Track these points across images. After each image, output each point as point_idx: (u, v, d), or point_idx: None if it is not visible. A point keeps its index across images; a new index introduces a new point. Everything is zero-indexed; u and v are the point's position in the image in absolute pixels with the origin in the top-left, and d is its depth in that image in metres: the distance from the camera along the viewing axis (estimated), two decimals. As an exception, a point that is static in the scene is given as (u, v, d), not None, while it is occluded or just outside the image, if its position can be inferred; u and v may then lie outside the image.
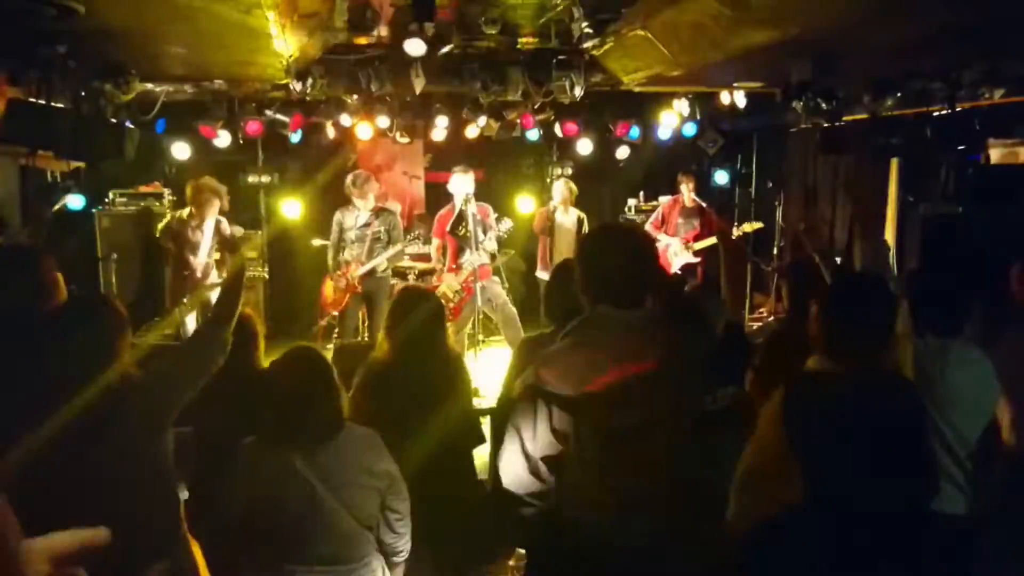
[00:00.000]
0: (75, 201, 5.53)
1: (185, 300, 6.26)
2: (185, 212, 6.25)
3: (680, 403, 2.07)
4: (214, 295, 6.33)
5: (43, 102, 3.98)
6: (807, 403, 1.63)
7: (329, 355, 3.52)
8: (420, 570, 2.86)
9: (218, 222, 6.40)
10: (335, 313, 6.91)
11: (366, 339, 7.10)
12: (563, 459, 2.04)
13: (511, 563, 3.73)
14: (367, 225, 6.66)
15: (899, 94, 5.06)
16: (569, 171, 8.49)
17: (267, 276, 8.02)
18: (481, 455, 3.48)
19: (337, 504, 2.38)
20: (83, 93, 4.27)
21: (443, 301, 6.48)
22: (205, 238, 6.32)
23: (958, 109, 4.79)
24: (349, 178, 6.68)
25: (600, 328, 2.09)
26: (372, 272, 6.66)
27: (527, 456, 2.06)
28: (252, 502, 2.40)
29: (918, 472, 1.51)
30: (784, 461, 1.78)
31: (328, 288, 6.82)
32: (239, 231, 7.70)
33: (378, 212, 6.71)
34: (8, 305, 2.61)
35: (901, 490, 1.47)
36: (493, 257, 6.79)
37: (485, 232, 6.55)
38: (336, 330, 6.99)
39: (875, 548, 1.44)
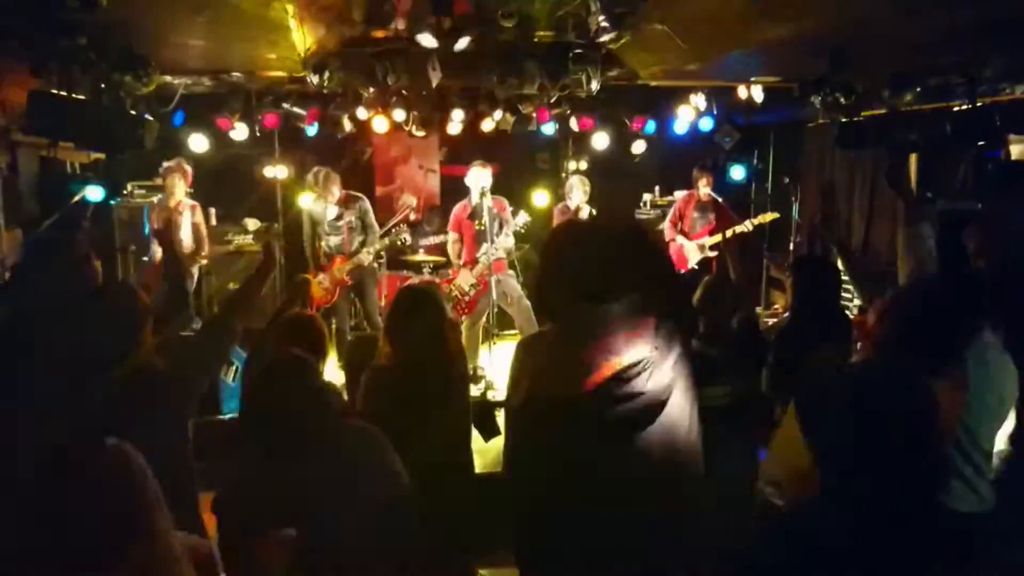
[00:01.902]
0: (94, 193, 5.58)
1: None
2: (156, 197, 6.47)
3: (670, 396, 2.05)
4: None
5: (64, 93, 4.02)
6: (820, 396, 1.63)
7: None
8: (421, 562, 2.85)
9: (192, 206, 6.70)
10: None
11: (367, 327, 7.14)
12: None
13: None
14: (339, 217, 6.70)
15: (918, 89, 5.01)
16: (584, 165, 8.47)
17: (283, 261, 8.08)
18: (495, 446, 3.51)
19: (339, 502, 2.30)
20: (103, 85, 4.30)
21: (458, 295, 6.57)
22: (184, 219, 6.58)
23: (978, 104, 4.73)
24: (310, 176, 6.74)
25: (582, 326, 2.06)
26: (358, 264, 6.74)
27: None
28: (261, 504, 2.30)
29: (926, 466, 1.51)
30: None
31: (315, 287, 6.68)
32: (254, 223, 7.78)
33: (346, 202, 6.73)
34: (48, 289, 2.65)
35: (909, 483, 1.47)
36: (508, 252, 6.81)
37: (501, 226, 6.56)
38: (334, 321, 6.99)
39: (886, 540, 1.45)
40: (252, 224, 7.79)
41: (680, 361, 2.04)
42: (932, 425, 1.55)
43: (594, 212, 7.38)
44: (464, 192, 6.80)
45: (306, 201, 6.98)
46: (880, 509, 1.46)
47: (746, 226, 7.21)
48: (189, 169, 6.78)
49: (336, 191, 6.65)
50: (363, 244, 6.78)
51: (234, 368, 5.36)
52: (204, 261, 6.95)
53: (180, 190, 6.61)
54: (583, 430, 1.98)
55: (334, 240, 6.75)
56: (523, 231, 6.84)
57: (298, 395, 2.28)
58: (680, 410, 2.04)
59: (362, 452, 2.40)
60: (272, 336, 3.19)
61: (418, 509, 2.53)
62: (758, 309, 8.12)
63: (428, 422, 2.86)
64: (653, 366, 1.96)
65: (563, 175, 9.01)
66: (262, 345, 3.25)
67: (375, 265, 7.26)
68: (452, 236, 6.82)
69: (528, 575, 2.25)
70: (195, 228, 6.70)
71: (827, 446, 1.56)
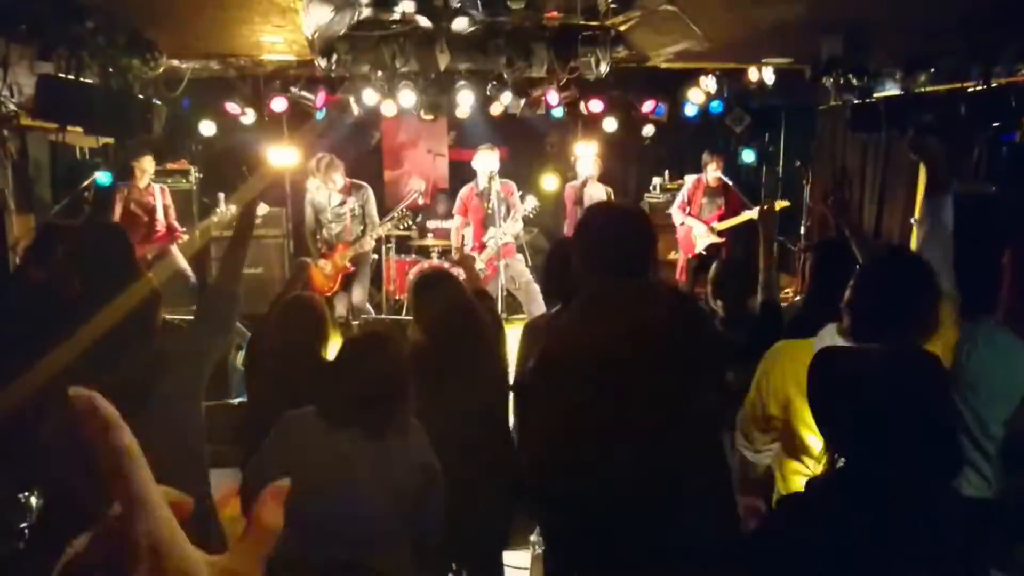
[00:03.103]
0: (103, 177, 5.60)
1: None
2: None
3: (688, 374, 2.05)
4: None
5: (72, 78, 4.02)
6: (831, 378, 1.62)
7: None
8: (451, 552, 2.85)
9: (162, 188, 6.74)
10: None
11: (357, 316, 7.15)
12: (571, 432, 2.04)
13: (533, 538, 3.75)
14: (342, 204, 6.68)
15: (932, 70, 4.96)
16: (594, 149, 8.43)
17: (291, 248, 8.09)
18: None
19: (378, 493, 2.33)
20: (111, 69, 4.30)
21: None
22: (157, 201, 6.61)
23: (993, 86, 4.67)
24: (312, 162, 6.67)
25: (606, 300, 2.09)
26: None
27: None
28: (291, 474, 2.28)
29: (938, 449, 1.50)
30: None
31: (316, 274, 6.68)
32: (264, 208, 7.78)
33: (350, 189, 6.70)
34: (98, 276, 2.63)
35: (921, 466, 1.46)
36: (516, 236, 6.79)
37: (509, 210, 6.54)
38: (336, 310, 6.97)
39: (895, 523, 1.44)
40: (260, 209, 7.78)
41: (702, 343, 2.05)
42: (945, 410, 1.54)
43: (609, 190, 7.37)
44: (472, 176, 6.78)
45: (313, 186, 6.96)
46: (892, 492, 1.45)
47: (755, 214, 7.15)
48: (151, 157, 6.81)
49: (339, 179, 6.60)
50: (363, 232, 6.77)
51: (243, 352, 5.37)
52: (184, 239, 6.94)
53: (148, 174, 6.65)
54: (593, 402, 1.99)
55: (336, 227, 6.73)
56: (532, 216, 6.82)
57: (386, 372, 2.34)
58: (691, 393, 2.05)
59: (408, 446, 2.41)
60: (272, 318, 3.18)
61: (457, 490, 2.52)
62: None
63: (466, 396, 2.85)
64: (669, 346, 1.97)
65: (572, 159, 8.98)
66: (263, 327, 3.24)
67: (374, 255, 7.26)
68: (457, 220, 6.79)
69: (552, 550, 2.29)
70: (166, 210, 6.72)
71: (837, 427, 1.55)
